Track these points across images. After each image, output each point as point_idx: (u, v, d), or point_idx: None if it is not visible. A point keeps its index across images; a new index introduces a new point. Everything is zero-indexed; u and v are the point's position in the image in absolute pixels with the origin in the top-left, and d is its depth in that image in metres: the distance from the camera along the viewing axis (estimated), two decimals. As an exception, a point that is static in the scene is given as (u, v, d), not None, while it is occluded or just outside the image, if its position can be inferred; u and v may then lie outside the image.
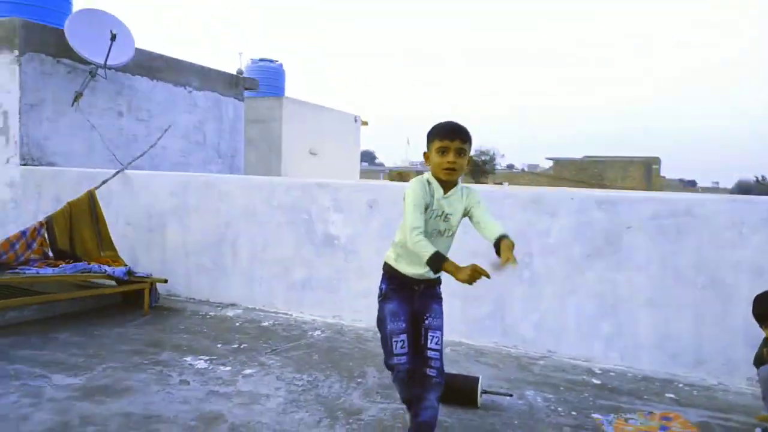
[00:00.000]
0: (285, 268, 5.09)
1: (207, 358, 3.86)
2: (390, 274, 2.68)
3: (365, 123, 16.27)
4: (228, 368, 3.68)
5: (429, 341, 2.57)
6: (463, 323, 4.30)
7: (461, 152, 2.51)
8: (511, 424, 2.98)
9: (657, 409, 3.19)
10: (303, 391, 3.35)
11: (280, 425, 2.89)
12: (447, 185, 2.57)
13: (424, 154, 2.62)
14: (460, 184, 2.65)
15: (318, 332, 4.54)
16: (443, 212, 2.55)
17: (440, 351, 2.57)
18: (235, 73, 9.47)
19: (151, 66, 8.05)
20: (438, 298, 2.69)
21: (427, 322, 2.61)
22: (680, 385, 3.62)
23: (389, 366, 2.59)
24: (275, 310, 5.12)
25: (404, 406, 2.82)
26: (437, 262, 2.31)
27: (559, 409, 3.18)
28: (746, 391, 3.58)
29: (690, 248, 3.74)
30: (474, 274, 2.21)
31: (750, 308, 3.53)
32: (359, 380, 3.54)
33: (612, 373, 3.79)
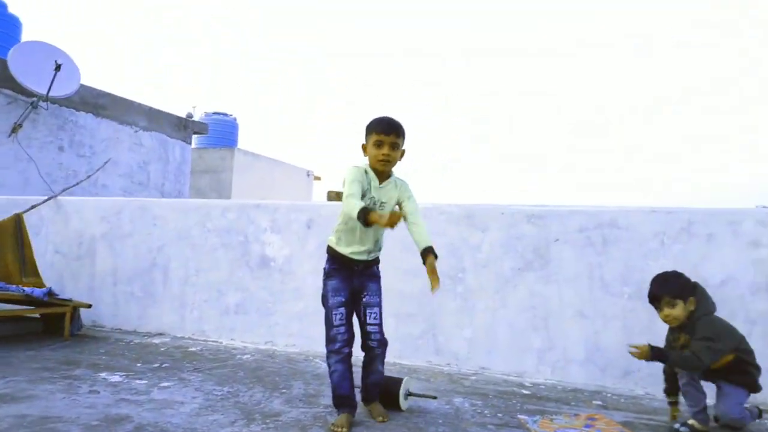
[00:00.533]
0: (218, 293, 4.94)
1: (123, 374, 3.65)
2: (332, 255, 2.94)
3: (318, 178, 16.37)
4: (144, 382, 3.48)
5: (368, 317, 2.88)
6: (398, 341, 4.20)
7: (395, 146, 2.77)
8: (435, 422, 2.88)
9: (583, 413, 3.14)
10: (221, 399, 3.18)
11: (190, 425, 2.72)
12: (382, 176, 2.83)
13: (362, 146, 2.87)
14: (394, 176, 2.91)
15: (247, 356, 4.37)
16: (378, 200, 2.81)
17: (379, 324, 2.88)
18: (184, 116, 9.49)
19: (97, 103, 8.01)
20: (375, 277, 2.96)
21: (365, 299, 2.89)
22: (608, 395, 3.59)
23: (328, 338, 2.84)
24: (205, 338, 4.92)
25: (329, 409, 2.95)
26: (365, 214, 2.54)
27: (486, 411, 3.10)
28: (673, 399, 3.57)
29: (616, 259, 3.81)
30: (393, 218, 2.50)
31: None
32: (283, 390, 3.39)
33: (542, 386, 3.74)
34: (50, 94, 6.88)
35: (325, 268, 2.97)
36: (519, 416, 3.01)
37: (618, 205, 3.85)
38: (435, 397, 3.22)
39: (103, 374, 3.59)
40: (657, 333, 3.68)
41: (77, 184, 6.23)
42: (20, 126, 6.93)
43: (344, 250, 2.88)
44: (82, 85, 7.46)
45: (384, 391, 3.00)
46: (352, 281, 2.90)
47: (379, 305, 2.90)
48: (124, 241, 5.31)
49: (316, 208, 4.76)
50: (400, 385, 3.04)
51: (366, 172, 2.81)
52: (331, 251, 2.95)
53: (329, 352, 2.86)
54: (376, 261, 2.99)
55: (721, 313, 3.57)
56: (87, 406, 2.93)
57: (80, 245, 5.48)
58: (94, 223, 5.45)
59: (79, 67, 7.40)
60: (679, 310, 2.91)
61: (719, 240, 3.64)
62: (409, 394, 3.12)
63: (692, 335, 2.88)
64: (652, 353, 2.88)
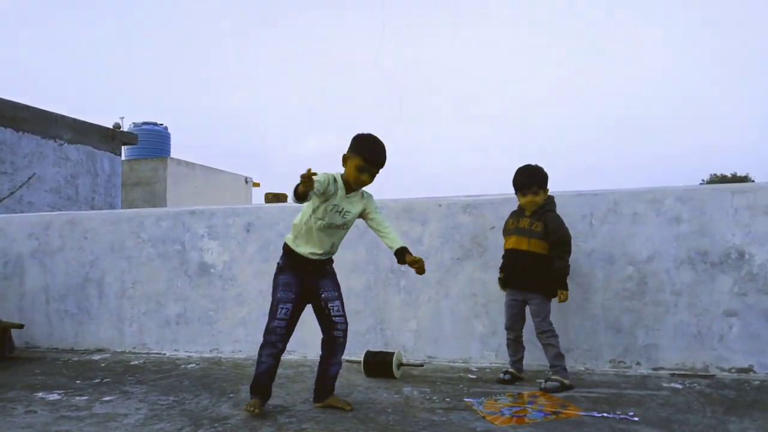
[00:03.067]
0: (158, 304, 4.82)
1: (62, 392, 3.51)
2: (287, 252, 2.98)
3: (257, 184, 16.16)
4: (85, 398, 3.36)
5: (331, 310, 2.94)
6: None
7: (374, 176, 2.88)
8: (385, 412, 2.92)
9: (526, 392, 3.25)
10: (167, 408, 3.11)
11: (135, 436, 2.65)
12: (351, 188, 2.91)
13: (343, 156, 2.89)
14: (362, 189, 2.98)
15: (193, 365, 4.28)
16: (342, 209, 2.86)
17: (343, 315, 2.96)
18: (111, 127, 9.18)
19: (16, 117, 7.65)
20: (330, 274, 3.02)
21: (323, 295, 2.95)
22: (550, 373, 3.72)
23: (267, 329, 2.89)
24: (147, 351, 4.79)
25: (278, 408, 3.00)
26: (295, 188, 2.64)
27: (434, 397, 3.17)
28: (610, 371, 3.75)
29: (549, 243, 3.95)
30: (306, 176, 2.55)
31: (605, 294, 3.79)
32: (231, 395, 3.35)
33: (488, 370, 3.85)
34: (-36, 108, 6.53)
35: (278, 263, 3.01)
36: (465, 400, 3.09)
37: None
38: (422, 365, 3.84)
39: (39, 394, 3.45)
40: (589, 309, 3.87)
41: (0, 201, 5.94)
42: (-68, 144, 6.55)
43: (300, 249, 2.92)
44: (-2, 99, 7.12)
45: (380, 362, 3.47)
46: (304, 279, 2.94)
47: (339, 298, 2.98)
48: (54, 258, 5.10)
49: (255, 211, 4.72)
50: (392, 356, 3.59)
51: (336, 180, 2.85)
52: (287, 248, 2.99)
53: (264, 344, 2.90)
54: (329, 261, 3.05)
55: (650, 286, 3.79)
56: (24, 426, 2.81)
57: (6, 264, 5.22)
58: (20, 240, 5.20)
59: (-6, 80, 7.05)
60: (539, 198, 3.46)
61: (644, 218, 3.84)
62: (400, 364, 3.62)
63: (538, 221, 3.44)
64: (563, 285, 3.42)
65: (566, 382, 3.29)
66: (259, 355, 2.92)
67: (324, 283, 2.97)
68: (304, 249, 2.91)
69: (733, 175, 27.00)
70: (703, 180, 27.35)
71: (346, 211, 2.88)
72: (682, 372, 3.68)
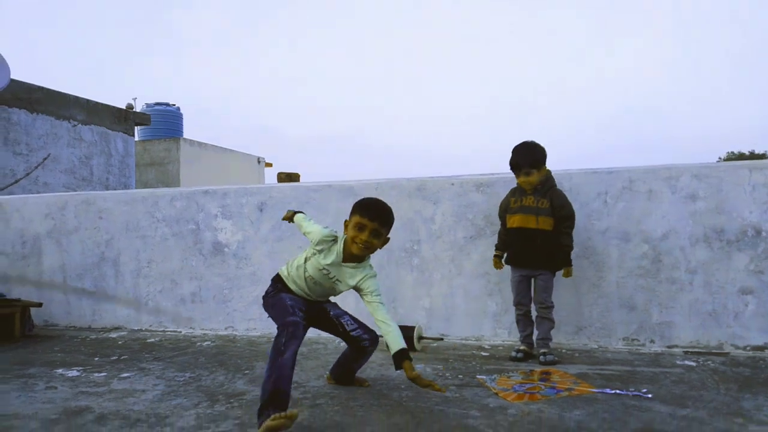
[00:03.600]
0: (173, 283, 4.87)
1: (81, 368, 3.57)
2: (280, 284, 2.82)
3: (269, 165, 16.19)
4: (103, 374, 3.42)
5: (346, 326, 2.80)
6: (359, 318, 4.24)
7: (377, 234, 2.60)
8: (398, 388, 2.95)
9: (538, 369, 3.26)
10: (183, 384, 3.16)
11: (153, 410, 2.70)
12: (352, 258, 2.66)
13: (345, 222, 2.69)
14: (368, 263, 2.73)
15: (208, 342, 4.34)
16: (334, 276, 2.67)
17: (359, 325, 2.82)
18: (124, 107, 9.21)
19: (31, 98, 7.69)
20: (327, 302, 2.92)
21: (331, 314, 2.83)
22: (563, 351, 3.73)
23: (286, 323, 2.48)
24: (163, 329, 4.86)
25: (293, 384, 2.71)
26: (291, 215, 3.04)
27: (447, 374, 3.19)
28: (623, 349, 3.75)
29: (563, 221, 3.93)
30: (285, 218, 2.92)
31: (619, 272, 3.77)
32: (246, 372, 3.39)
33: (500, 347, 3.86)
34: (-21, 90, 6.57)
35: (268, 291, 2.82)
36: (478, 377, 3.10)
37: (561, 169, 3.97)
38: (441, 339, 4.00)
39: (59, 370, 3.51)
40: (603, 287, 3.85)
41: (15, 182, 6.00)
42: (-51, 125, 6.61)
43: (293, 287, 2.77)
44: (12, 80, 7.14)
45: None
46: (307, 302, 2.76)
47: (346, 312, 2.88)
48: (70, 237, 5.17)
49: (268, 190, 4.73)
50: (413, 331, 3.74)
51: (335, 241, 2.67)
52: (279, 280, 2.83)
53: (284, 326, 2.47)
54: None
55: (664, 264, 3.76)
56: (45, 402, 2.86)
57: (24, 244, 5.30)
58: (37, 220, 5.27)
59: (8, 62, 7.08)
60: (536, 177, 3.45)
61: (659, 195, 3.80)
62: (420, 337, 3.77)
63: (543, 197, 3.45)
64: (569, 262, 3.49)
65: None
66: (280, 344, 2.40)
67: (327, 305, 2.87)
68: (296, 289, 2.76)
69: (751, 152, 26.57)
70: (719, 158, 26.98)
71: (337, 280, 2.67)
72: (696, 350, 3.67)
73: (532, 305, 3.59)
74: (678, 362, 3.42)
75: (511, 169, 3.56)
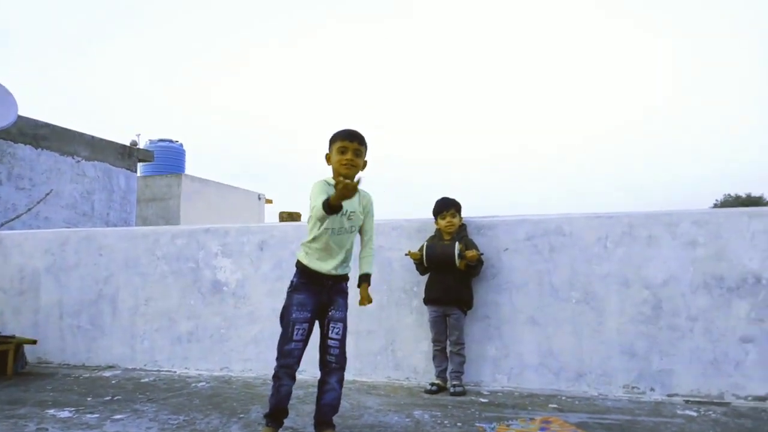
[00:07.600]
0: (170, 321, 4.84)
1: (73, 409, 3.52)
2: (302, 270, 2.88)
3: (269, 201, 16.25)
4: (96, 416, 3.36)
5: (330, 331, 2.84)
6: (357, 360, 4.20)
7: (358, 152, 2.83)
8: (395, 436, 2.89)
9: (538, 417, 3.21)
10: (177, 428, 3.10)
11: (145, 456, 2.65)
12: None
13: (326, 155, 2.89)
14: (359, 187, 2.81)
15: (203, 383, 4.28)
16: (346, 210, 2.78)
17: (340, 340, 2.83)
18: (128, 144, 9.29)
19: (36, 134, 7.77)
20: (344, 293, 2.92)
21: (330, 313, 2.86)
22: (563, 398, 3.68)
23: (283, 353, 2.74)
24: (158, 368, 4.80)
25: (288, 431, 2.85)
26: (327, 202, 2.58)
27: (446, 422, 3.13)
28: (623, 397, 3.69)
29: (563, 265, 3.93)
30: (346, 188, 2.47)
31: (620, 318, 3.76)
32: (241, 416, 3.33)
33: (500, 393, 3.81)
34: (-15, 125, 6.64)
35: (292, 281, 2.89)
36: (477, 424, 3.05)
37: (562, 213, 3.98)
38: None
39: (51, 411, 3.46)
40: (604, 333, 3.82)
41: (17, 217, 6.02)
42: (-46, 160, 6.66)
43: (315, 265, 2.83)
44: (19, 116, 7.23)
45: (440, 254, 3.95)
46: (320, 297, 2.83)
47: (344, 321, 2.86)
48: (69, 273, 5.15)
49: (269, 230, 4.73)
50: (454, 248, 3.93)
51: (329, 183, 2.83)
52: (300, 265, 2.88)
53: (281, 367, 2.74)
54: (346, 277, 2.94)
55: (665, 310, 3.74)
56: (35, 445, 2.81)
57: (22, 280, 5.28)
58: (36, 256, 5.26)
59: (15, 98, 7.18)
60: (457, 221, 4.01)
61: (659, 241, 3.81)
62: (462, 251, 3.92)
63: (460, 242, 3.92)
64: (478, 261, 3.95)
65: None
66: (278, 378, 2.74)
67: (338, 301, 2.87)
68: (318, 264, 2.82)
69: (748, 195, 26.62)
70: (716, 201, 27.03)
71: (351, 212, 2.82)
72: (697, 399, 3.62)
73: (537, 354, 3.61)
74: (679, 412, 3.37)
75: (439, 212, 4.05)
